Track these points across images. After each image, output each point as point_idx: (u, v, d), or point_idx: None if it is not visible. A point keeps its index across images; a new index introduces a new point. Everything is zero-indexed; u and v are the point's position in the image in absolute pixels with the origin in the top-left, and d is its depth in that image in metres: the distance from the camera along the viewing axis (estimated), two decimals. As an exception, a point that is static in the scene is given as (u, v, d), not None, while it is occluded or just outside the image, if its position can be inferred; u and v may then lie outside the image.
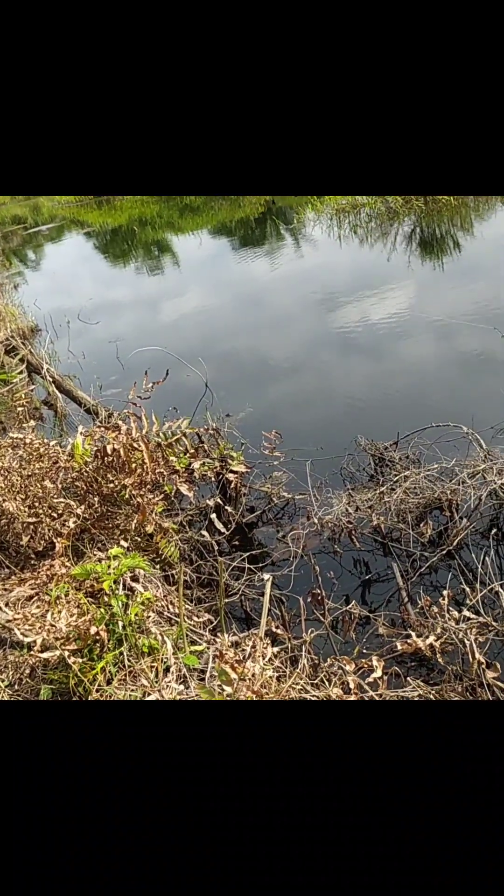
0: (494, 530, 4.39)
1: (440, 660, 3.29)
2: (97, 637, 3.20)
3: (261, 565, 4.49)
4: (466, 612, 3.52)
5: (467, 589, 3.74)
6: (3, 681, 3.40)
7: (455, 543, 4.24)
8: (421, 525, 4.41)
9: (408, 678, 3.39)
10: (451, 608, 3.55)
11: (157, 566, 4.23)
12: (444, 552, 4.23)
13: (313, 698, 2.99)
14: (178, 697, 3.02)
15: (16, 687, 3.39)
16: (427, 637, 3.13)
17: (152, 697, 2.97)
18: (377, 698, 2.93)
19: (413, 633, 3.30)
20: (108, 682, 3.17)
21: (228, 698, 2.69)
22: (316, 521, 4.59)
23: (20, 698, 3.31)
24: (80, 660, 3.11)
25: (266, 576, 3.89)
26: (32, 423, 4.96)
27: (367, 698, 2.93)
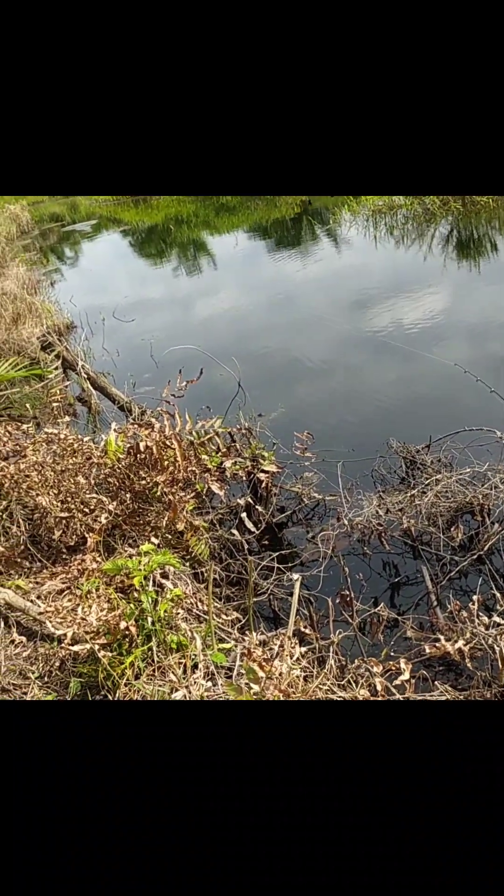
0: (527, 536, 4.35)
1: (469, 665, 3.27)
2: (126, 632, 3.23)
3: (290, 565, 4.50)
4: (497, 618, 3.49)
5: (498, 594, 3.71)
6: (33, 673, 3.45)
7: (486, 548, 4.21)
8: (452, 529, 4.38)
9: (435, 682, 3.38)
10: (480, 613, 3.53)
11: (187, 563, 4.26)
12: (474, 557, 4.20)
13: (338, 699, 2.99)
14: (205, 694, 3.04)
15: (45, 679, 3.44)
16: (456, 641, 3.11)
17: (179, 693, 3.00)
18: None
19: (441, 637, 3.29)
20: (137, 677, 3.20)
21: (254, 697, 2.70)
22: (346, 522, 4.58)
23: (50, 690, 3.36)
24: (110, 654, 3.15)
25: (295, 576, 3.89)
26: (67, 418, 5.02)
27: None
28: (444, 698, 3.09)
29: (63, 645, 3.30)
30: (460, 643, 3.10)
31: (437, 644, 3.15)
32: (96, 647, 3.09)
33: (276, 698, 2.68)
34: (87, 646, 3.12)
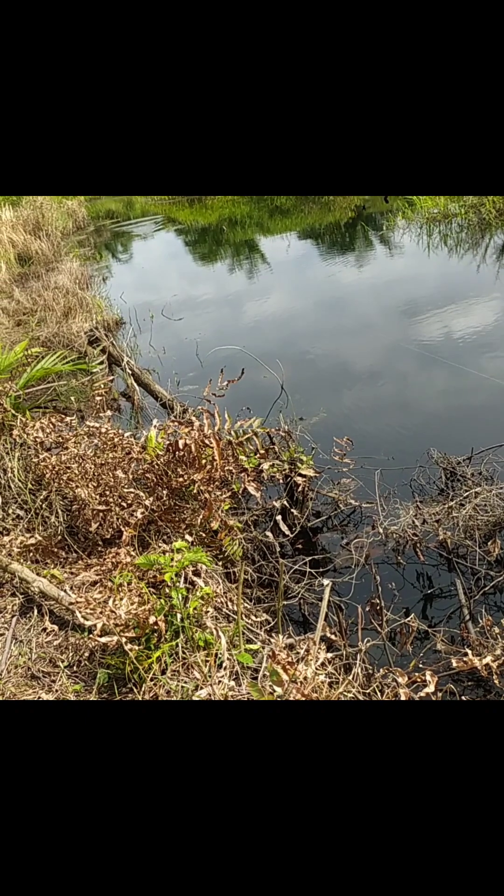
0: None
1: (496, 681, 3.23)
2: (155, 627, 3.26)
3: (322, 570, 4.49)
4: (529, 636, 3.44)
5: (531, 612, 3.65)
6: (63, 661, 3.50)
7: (523, 565, 4.14)
8: (489, 543, 4.33)
9: (462, 697, 3.35)
10: (513, 630, 3.48)
11: (220, 563, 4.28)
12: (510, 573, 4.14)
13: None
14: (229, 693, 3.05)
15: (74, 669, 3.49)
16: (484, 657, 3.07)
17: (204, 691, 3.01)
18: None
19: (470, 652, 3.24)
20: (163, 672, 3.23)
21: (278, 699, 2.70)
22: (381, 530, 4.55)
23: (78, 680, 3.41)
24: (137, 647, 3.18)
25: (326, 581, 3.88)
26: (109, 413, 5.08)
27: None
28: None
29: (92, 636, 3.34)
30: (488, 658, 3.06)
31: (465, 658, 3.11)
32: (124, 640, 3.13)
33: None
34: (115, 638, 3.15)
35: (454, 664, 3.15)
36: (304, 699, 2.60)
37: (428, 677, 2.77)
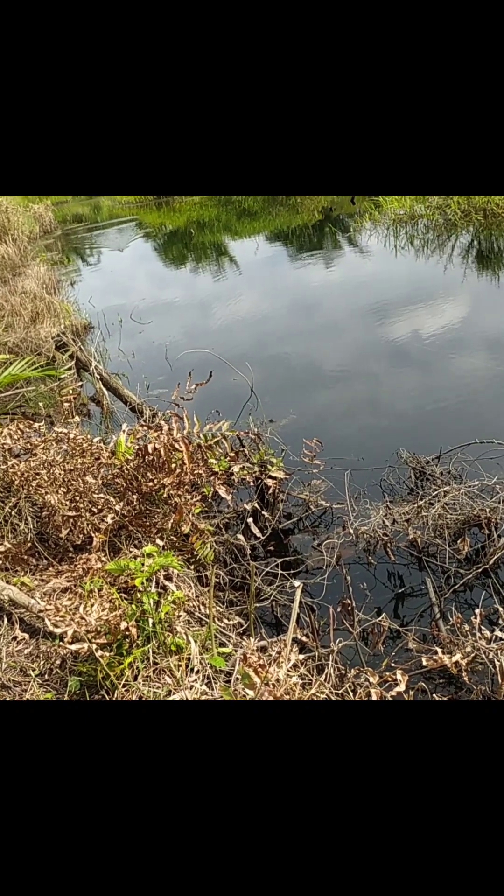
0: (533, 551, 4.32)
1: (466, 679, 3.26)
2: (127, 632, 3.25)
3: (294, 572, 4.50)
4: (499, 633, 3.47)
5: (501, 609, 3.69)
6: (33, 670, 3.47)
7: (492, 562, 4.19)
8: (458, 542, 4.37)
9: (434, 695, 3.37)
10: (483, 627, 3.52)
11: (191, 566, 4.27)
12: (479, 570, 4.19)
13: (335, 699, 2.98)
14: (202, 697, 3.05)
15: (45, 677, 3.46)
16: (454, 655, 3.10)
17: (177, 696, 3.01)
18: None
19: (440, 650, 3.27)
20: (135, 678, 3.21)
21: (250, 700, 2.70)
22: (352, 531, 4.57)
23: (49, 688, 3.38)
24: (109, 654, 3.16)
25: (297, 583, 3.89)
26: (78, 418, 5.05)
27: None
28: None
29: (62, 643, 3.31)
30: (458, 656, 3.08)
31: (435, 657, 3.14)
32: (95, 646, 3.11)
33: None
34: (86, 645, 3.13)
35: (425, 663, 3.17)
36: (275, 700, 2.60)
37: (399, 676, 2.79)
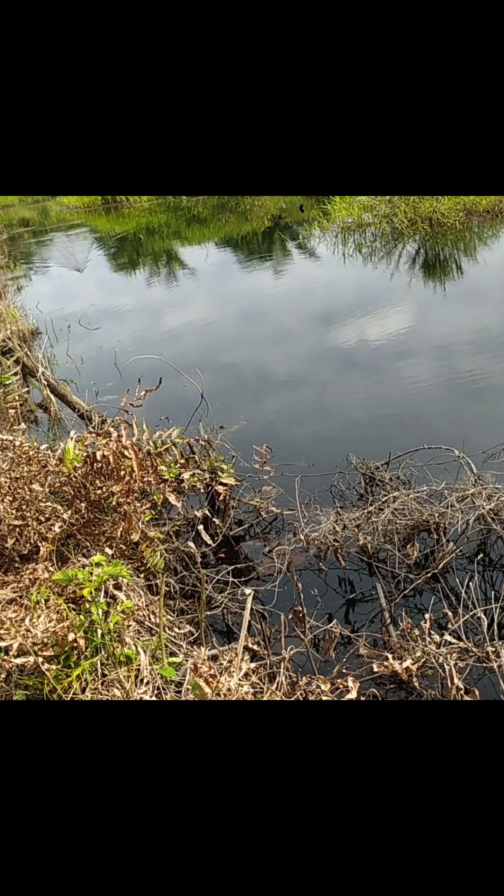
0: (480, 555, 4.38)
1: (416, 684, 3.28)
2: (75, 644, 3.18)
3: (245, 579, 4.48)
4: (448, 637, 3.51)
5: (450, 613, 3.73)
6: (-22, 684, 3.37)
7: (440, 567, 4.23)
8: (408, 547, 4.40)
9: (385, 701, 3.38)
10: (433, 632, 3.54)
11: (141, 575, 4.21)
12: (429, 575, 4.22)
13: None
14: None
15: (-10, 690, 3.37)
16: (404, 660, 3.11)
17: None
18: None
19: (390, 656, 3.28)
20: (83, 690, 3.14)
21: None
22: (302, 537, 4.57)
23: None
24: (55, 667, 3.09)
25: (247, 590, 3.87)
26: (24, 425, 4.95)
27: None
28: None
29: (7, 657, 3.22)
30: (408, 662, 3.10)
31: (385, 663, 3.15)
32: (41, 659, 3.03)
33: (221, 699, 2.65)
34: (32, 658, 3.05)
35: (376, 669, 3.18)
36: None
37: (350, 683, 2.79)
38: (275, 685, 3.21)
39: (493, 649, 3.38)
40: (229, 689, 2.81)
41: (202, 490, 4.98)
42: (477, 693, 3.21)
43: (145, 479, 4.33)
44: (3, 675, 3.40)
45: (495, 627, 3.63)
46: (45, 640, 3.19)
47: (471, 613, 3.71)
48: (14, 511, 4.26)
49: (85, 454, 4.34)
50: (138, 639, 3.50)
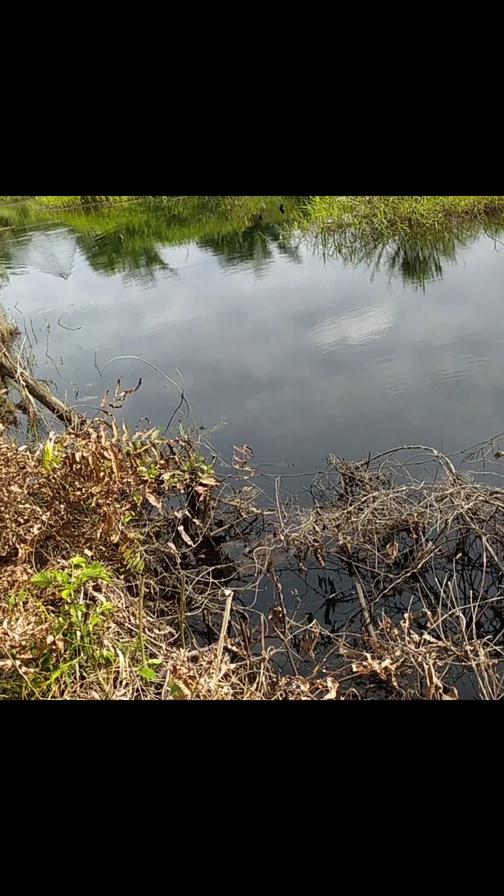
0: (459, 554, 4.41)
1: (395, 683, 3.29)
2: (53, 646, 3.16)
3: (225, 580, 4.47)
4: (427, 636, 3.52)
5: (429, 612, 3.74)
6: (-44, 687, 3.35)
7: (419, 566, 4.25)
8: (387, 546, 4.42)
9: (364, 700, 3.39)
10: (412, 631, 3.56)
11: (121, 576, 4.19)
12: (408, 574, 4.24)
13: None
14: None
15: (-32, 694, 3.34)
16: (383, 660, 3.13)
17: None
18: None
19: (369, 656, 3.29)
20: (62, 693, 3.13)
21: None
22: (283, 537, 4.58)
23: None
24: (34, 670, 3.07)
25: (227, 591, 3.87)
26: (2, 426, 4.92)
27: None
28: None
29: (-15, 660, 3.20)
30: (387, 662, 3.11)
31: (365, 663, 3.16)
32: (18, 663, 3.01)
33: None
34: (10, 661, 3.03)
35: (355, 669, 3.19)
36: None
37: (329, 683, 2.79)
38: (255, 686, 3.21)
39: (472, 648, 3.40)
40: (209, 691, 2.81)
41: (182, 491, 4.98)
42: (455, 692, 3.23)
43: (125, 480, 4.32)
44: (-19, 679, 3.38)
45: (473, 626, 3.65)
46: (24, 642, 3.17)
47: (449, 612, 3.73)
48: (-8, 513, 4.23)
49: (64, 455, 4.31)
50: (118, 640, 3.49)
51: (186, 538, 4.67)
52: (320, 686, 2.89)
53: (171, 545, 4.55)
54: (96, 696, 3.01)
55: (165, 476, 4.66)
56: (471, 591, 4.09)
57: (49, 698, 3.04)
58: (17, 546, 4.10)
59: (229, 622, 3.71)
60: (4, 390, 7.22)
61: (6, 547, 4.21)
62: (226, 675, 3.13)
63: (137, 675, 3.22)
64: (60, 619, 3.31)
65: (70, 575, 3.45)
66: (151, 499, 4.40)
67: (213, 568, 4.47)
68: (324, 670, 3.53)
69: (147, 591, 4.27)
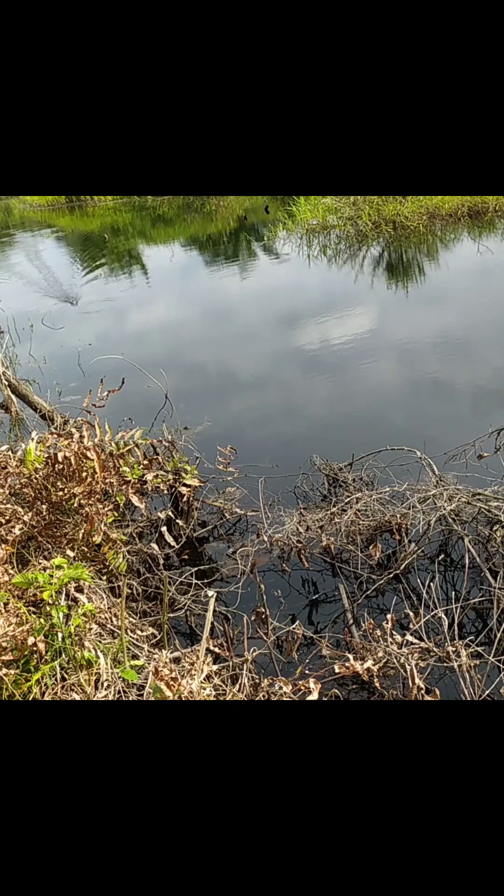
0: (441, 556, 4.42)
1: (378, 684, 3.29)
2: (34, 648, 3.14)
3: (208, 581, 4.46)
4: (409, 637, 3.53)
5: (411, 613, 3.75)
6: None
7: (402, 567, 4.26)
8: (370, 547, 4.42)
9: (347, 701, 3.39)
10: (394, 632, 3.57)
11: (103, 577, 4.17)
12: (391, 575, 4.25)
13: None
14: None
15: None
16: (365, 661, 3.13)
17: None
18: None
19: (351, 657, 3.30)
20: (43, 695, 3.10)
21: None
22: (266, 538, 4.57)
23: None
24: (14, 671, 3.04)
25: (210, 592, 3.86)
26: (-17, 426, 4.88)
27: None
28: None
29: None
30: (369, 663, 3.11)
31: (347, 664, 3.16)
32: (-1, 664, 2.99)
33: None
34: (-10, 663, 3.01)
35: (337, 670, 3.19)
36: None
37: (312, 684, 2.79)
38: (237, 687, 3.21)
39: (454, 649, 3.42)
40: (191, 692, 2.80)
41: (165, 491, 4.96)
42: (437, 693, 3.24)
43: (108, 481, 4.30)
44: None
45: (455, 627, 3.67)
46: (4, 644, 3.15)
47: (432, 614, 3.75)
48: (-27, 513, 4.20)
49: (46, 455, 4.29)
50: (100, 642, 3.47)
51: (170, 539, 4.66)
52: (303, 687, 2.88)
53: (154, 546, 4.53)
54: (77, 697, 2.99)
55: (149, 476, 4.64)
56: (453, 593, 4.11)
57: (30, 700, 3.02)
58: (-1, 547, 4.07)
59: (212, 623, 3.70)
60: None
61: (-13, 547, 4.18)
62: (208, 677, 3.12)
63: (119, 677, 3.20)
64: (42, 620, 3.29)
65: (52, 576, 3.42)
66: (134, 499, 4.38)
67: (196, 569, 4.46)
68: (306, 671, 3.53)
69: (129, 592, 4.25)
